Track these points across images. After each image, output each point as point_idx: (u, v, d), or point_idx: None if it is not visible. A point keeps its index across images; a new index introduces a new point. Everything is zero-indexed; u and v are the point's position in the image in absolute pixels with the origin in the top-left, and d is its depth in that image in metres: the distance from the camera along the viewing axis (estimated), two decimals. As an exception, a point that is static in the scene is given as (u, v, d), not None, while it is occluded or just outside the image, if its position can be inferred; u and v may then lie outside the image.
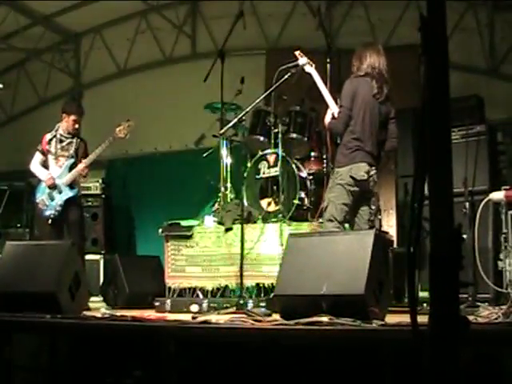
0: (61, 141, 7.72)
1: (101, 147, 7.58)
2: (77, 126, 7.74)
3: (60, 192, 7.58)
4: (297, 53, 6.63)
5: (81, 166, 7.57)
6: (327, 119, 6.32)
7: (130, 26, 11.94)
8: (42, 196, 7.65)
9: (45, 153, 7.73)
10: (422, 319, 2.62)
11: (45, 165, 7.74)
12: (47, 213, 7.57)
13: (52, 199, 7.58)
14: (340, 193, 6.05)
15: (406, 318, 3.79)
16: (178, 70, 11.59)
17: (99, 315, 5.46)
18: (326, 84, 6.77)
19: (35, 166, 7.77)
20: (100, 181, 10.48)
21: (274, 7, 10.91)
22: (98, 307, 6.93)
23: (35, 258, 5.78)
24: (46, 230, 7.56)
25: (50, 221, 7.52)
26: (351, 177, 6.04)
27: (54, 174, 7.62)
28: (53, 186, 7.57)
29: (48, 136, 7.75)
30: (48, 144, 7.71)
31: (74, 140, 7.75)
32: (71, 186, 7.62)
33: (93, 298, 7.64)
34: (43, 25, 11.67)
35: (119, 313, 5.60)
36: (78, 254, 7.17)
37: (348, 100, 6.11)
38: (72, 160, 7.65)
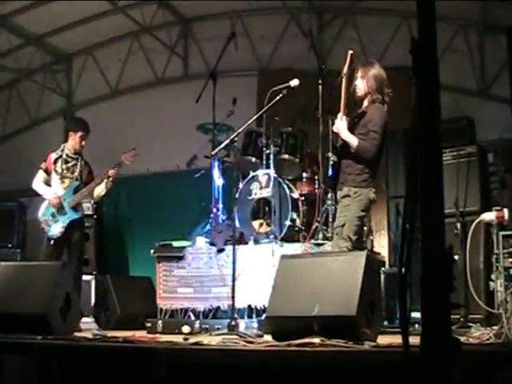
0: (66, 161, 7.65)
1: (107, 174, 7.51)
2: (83, 142, 7.66)
3: (65, 214, 7.49)
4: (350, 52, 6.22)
5: (86, 191, 7.52)
6: (342, 126, 6.07)
7: (122, 47, 11.97)
8: (45, 216, 7.55)
9: (49, 172, 7.66)
10: (414, 340, 2.62)
11: (47, 183, 7.67)
12: (50, 233, 7.48)
13: (56, 220, 7.49)
14: (358, 213, 5.98)
15: (397, 339, 3.79)
16: (170, 91, 11.62)
17: (90, 336, 5.43)
18: (317, 105, 6.79)
19: (38, 184, 7.65)
20: (92, 201, 10.47)
21: (265, 29, 10.99)
22: (89, 328, 6.89)
23: (26, 279, 5.75)
24: (46, 251, 7.49)
25: (51, 241, 7.45)
26: (369, 199, 6.01)
27: (60, 195, 7.55)
28: (59, 207, 7.49)
29: (54, 155, 7.66)
30: (54, 164, 7.64)
31: (79, 162, 7.67)
32: (75, 208, 7.55)
33: (84, 319, 7.60)
34: (35, 45, 11.69)
35: (110, 334, 5.59)
36: (77, 275, 7.19)
37: (382, 129, 6.00)
38: (77, 182, 7.56)
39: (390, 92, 6.18)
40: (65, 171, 7.62)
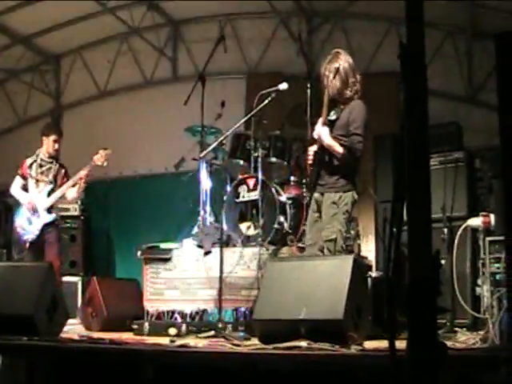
0: (41, 165, 7.85)
1: (78, 174, 7.63)
2: (56, 146, 7.88)
3: (38, 216, 7.66)
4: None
5: (58, 193, 7.65)
6: (324, 133, 5.98)
7: (110, 48, 11.94)
8: (20, 220, 7.73)
9: (25, 177, 7.84)
10: (401, 344, 2.64)
11: (25, 188, 7.87)
12: (25, 237, 7.71)
13: (30, 223, 7.68)
14: (345, 221, 5.93)
15: (384, 344, 3.81)
16: (159, 93, 11.61)
17: (77, 338, 5.43)
18: (306, 109, 6.79)
19: (16, 189, 7.93)
20: (79, 202, 10.44)
21: (254, 32, 11.00)
22: (75, 330, 6.89)
23: (12, 280, 5.74)
24: (24, 254, 7.63)
25: (27, 244, 7.62)
26: (353, 201, 5.96)
27: (34, 198, 7.69)
28: (33, 210, 7.63)
29: (29, 161, 7.87)
30: (29, 168, 7.83)
31: (53, 166, 7.83)
32: (49, 210, 7.69)
33: (71, 321, 7.58)
34: (23, 45, 11.66)
35: (97, 335, 5.58)
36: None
37: (364, 130, 5.92)
38: (51, 186, 7.76)
39: (360, 75, 6.09)
40: (39, 175, 7.81)
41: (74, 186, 7.69)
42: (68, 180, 7.73)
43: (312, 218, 6.12)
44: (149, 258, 7.81)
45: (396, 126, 2.86)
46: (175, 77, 11.68)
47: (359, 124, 5.92)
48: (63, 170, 7.90)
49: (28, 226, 7.70)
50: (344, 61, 6.02)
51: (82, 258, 10.27)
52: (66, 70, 12.43)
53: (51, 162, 7.87)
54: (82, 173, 7.60)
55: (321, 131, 5.97)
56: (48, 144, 7.85)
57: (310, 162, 6.13)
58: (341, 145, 5.90)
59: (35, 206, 7.67)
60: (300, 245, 7.04)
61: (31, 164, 7.84)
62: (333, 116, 6.01)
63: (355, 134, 5.90)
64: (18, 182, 7.91)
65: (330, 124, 6.01)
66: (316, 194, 6.07)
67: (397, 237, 2.69)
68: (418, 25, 2.75)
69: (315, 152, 6.04)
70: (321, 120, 6.00)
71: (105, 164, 7.79)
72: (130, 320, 7.06)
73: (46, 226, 7.69)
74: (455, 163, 7.37)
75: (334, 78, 5.94)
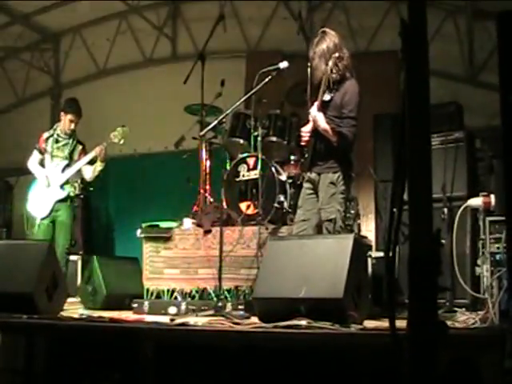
0: (57, 141, 7.70)
1: (93, 152, 7.54)
2: (72, 126, 7.69)
3: (51, 192, 7.54)
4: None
5: (73, 169, 7.55)
6: (320, 118, 5.96)
7: (110, 27, 11.91)
8: (33, 195, 7.63)
9: (42, 151, 7.71)
10: (401, 324, 2.64)
11: (42, 163, 7.73)
12: (37, 213, 7.54)
13: (43, 199, 7.55)
14: (343, 201, 5.95)
15: (384, 323, 3.81)
16: (158, 72, 11.58)
17: (76, 316, 5.44)
18: (306, 87, 6.76)
19: (33, 164, 7.77)
20: (79, 181, 10.42)
21: (254, 11, 10.94)
22: (75, 308, 6.90)
23: (12, 258, 5.73)
24: (35, 230, 7.55)
25: (38, 220, 7.51)
26: (350, 179, 6.01)
27: (48, 174, 7.59)
28: (46, 185, 7.54)
29: (46, 134, 7.74)
30: (45, 142, 7.70)
31: (70, 141, 7.71)
32: (62, 186, 7.58)
33: (70, 299, 7.59)
34: (22, 23, 11.61)
35: (97, 314, 5.59)
36: (63, 254, 7.21)
37: (356, 110, 5.93)
38: (66, 161, 7.61)
39: (348, 51, 6.05)
40: (55, 150, 7.66)
41: (91, 164, 7.60)
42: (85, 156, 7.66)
43: (305, 195, 6.13)
44: (148, 236, 7.82)
45: (396, 106, 2.85)
46: (175, 56, 11.65)
47: (352, 107, 5.93)
48: (80, 147, 7.76)
49: (40, 201, 7.58)
50: (329, 41, 5.98)
51: (82, 237, 10.28)
52: (65, 49, 12.42)
53: (68, 138, 7.73)
54: (98, 149, 7.51)
55: (317, 116, 5.97)
56: (64, 122, 7.70)
57: (303, 143, 6.15)
58: (334, 128, 5.90)
59: (49, 182, 7.57)
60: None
61: (47, 138, 7.71)
62: (327, 97, 6.00)
63: (349, 117, 5.93)
64: (35, 156, 7.76)
65: (324, 104, 6.00)
66: (312, 174, 6.06)
67: (397, 217, 2.68)
68: (420, 2, 2.73)
69: (310, 133, 6.05)
70: (316, 103, 5.99)
71: (121, 142, 7.69)
72: (129, 299, 7.07)
73: (59, 202, 7.57)
74: (455, 143, 7.34)
75: (320, 60, 5.94)
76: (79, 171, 7.66)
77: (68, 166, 7.59)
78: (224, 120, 7.25)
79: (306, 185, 6.13)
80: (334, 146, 5.94)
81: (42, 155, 7.71)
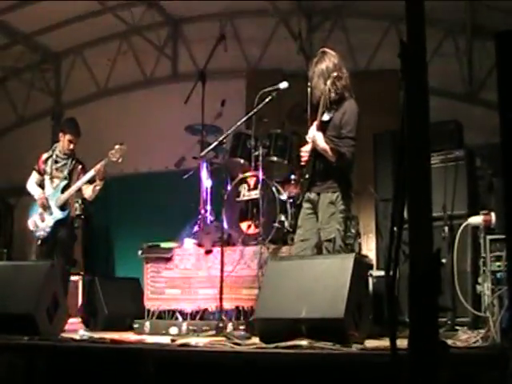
0: (56, 161, 7.67)
1: (92, 171, 7.51)
2: (71, 146, 7.65)
3: (51, 213, 7.53)
4: None
5: (72, 189, 7.54)
6: (319, 137, 5.95)
7: (111, 47, 11.97)
8: (33, 217, 7.61)
9: (41, 172, 7.70)
10: (402, 343, 2.64)
11: (41, 184, 7.70)
12: (37, 234, 7.54)
13: (42, 220, 7.53)
14: (343, 220, 5.91)
15: (385, 343, 3.80)
16: (159, 92, 11.63)
17: (77, 337, 5.43)
18: (306, 107, 6.78)
19: (31, 185, 7.75)
20: (79, 201, 10.43)
21: (254, 30, 11.00)
22: (76, 329, 6.89)
23: (13, 279, 5.75)
24: (36, 252, 7.54)
25: (39, 242, 7.48)
26: (351, 200, 5.99)
27: (47, 195, 7.58)
28: (45, 207, 7.52)
29: (45, 155, 7.72)
30: (44, 163, 7.68)
31: (69, 161, 7.69)
32: (62, 207, 7.55)
33: (71, 320, 7.59)
34: (23, 44, 11.67)
35: (98, 335, 5.58)
36: (64, 275, 7.17)
37: (356, 130, 5.92)
38: (65, 182, 7.58)
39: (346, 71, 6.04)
40: (54, 171, 7.64)
41: (90, 183, 7.57)
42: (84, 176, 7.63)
43: (304, 215, 6.10)
44: (149, 257, 7.81)
45: (396, 124, 2.86)
46: (175, 75, 11.70)
47: (352, 127, 5.93)
48: (80, 166, 7.70)
49: (40, 222, 7.54)
50: (329, 61, 5.99)
51: (83, 257, 10.26)
52: (66, 69, 12.47)
53: (67, 159, 7.67)
54: (96, 168, 7.47)
55: (316, 135, 5.96)
56: (64, 142, 7.65)
57: (302, 162, 6.15)
58: (333, 148, 5.89)
59: (46, 203, 7.50)
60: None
61: (47, 159, 7.68)
62: (326, 117, 6.00)
63: (347, 137, 5.92)
64: (33, 177, 7.74)
65: (323, 124, 6.00)
66: (312, 194, 6.04)
67: (398, 235, 2.69)
68: (419, 23, 2.75)
69: (309, 153, 6.04)
70: (315, 123, 5.99)
71: (120, 160, 7.65)
72: (130, 319, 7.06)
73: (59, 223, 7.53)
74: (455, 161, 7.35)
75: (319, 79, 5.96)
76: (79, 191, 7.65)
77: (67, 186, 7.57)
78: (224, 140, 7.27)
79: (305, 205, 6.11)
80: (333, 165, 5.93)
81: (41, 176, 7.69)
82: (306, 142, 6.18)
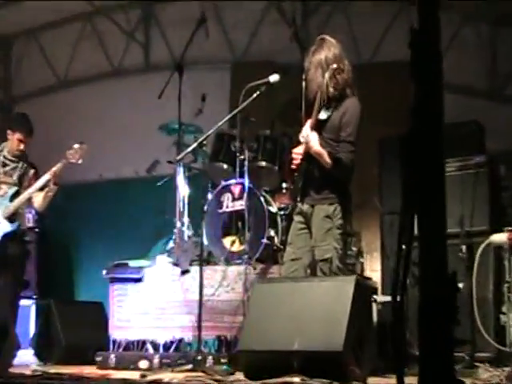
0: (4, 164, 7.56)
1: (47, 175, 7.46)
2: (22, 146, 7.52)
3: None
4: None
5: (23, 197, 7.46)
6: (314, 139, 5.87)
7: (72, 30, 11.94)
8: None
9: None
10: (411, 381, 2.65)
11: None
12: None
13: None
14: (340, 236, 5.87)
15: (391, 380, 3.82)
16: (129, 84, 11.62)
17: (29, 373, 5.42)
18: (301, 104, 6.81)
19: None
20: (33, 212, 10.40)
21: (241, 14, 11.00)
22: (28, 363, 6.88)
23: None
24: None
25: None
26: (349, 211, 5.95)
27: None
28: None
29: None
30: None
31: (19, 165, 7.60)
32: (11, 218, 7.48)
33: (22, 352, 7.57)
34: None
35: (54, 370, 5.58)
36: (14, 299, 7.12)
37: (356, 133, 5.89)
38: (15, 188, 7.48)
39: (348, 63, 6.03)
40: (2, 176, 7.56)
41: (42, 189, 7.49)
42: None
43: (295, 230, 6.07)
44: (116, 277, 7.82)
45: (405, 126, 2.87)
46: (148, 65, 11.71)
47: (352, 130, 5.88)
48: (32, 171, 7.54)
49: None
50: (328, 50, 5.95)
51: (37, 278, 10.23)
52: (18, 55, 12.44)
53: (17, 161, 7.53)
54: (52, 171, 7.40)
55: (310, 135, 5.88)
56: (12, 141, 7.46)
57: (293, 167, 6.10)
58: (330, 153, 5.86)
59: None
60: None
61: None
62: (323, 115, 5.94)
63: (346, 141, 5.87)
64: None
65: (320, 124, 5.96)
66: (304, 206, 5.99)
67: (406, 255, 2.70)
68: (432, 7, 2.77)
69: (301, 157, 5.99)
70: (310, 122, 5.94)
71: (80, 161, 7.60)
72: (92, 351, 7.06)
73: (7, 237, 7.37)
74: (475, 169, 7.39)
75: (317, 71, 5.94)
76: (30, 200, 7.59)
77: (17, 193, 7.51)
78: (205, 142, 7.28)
79: (296, 218, 6.07)
80: (328, 174, 5.90)
81: None
82: (298, 144, 6.15)
